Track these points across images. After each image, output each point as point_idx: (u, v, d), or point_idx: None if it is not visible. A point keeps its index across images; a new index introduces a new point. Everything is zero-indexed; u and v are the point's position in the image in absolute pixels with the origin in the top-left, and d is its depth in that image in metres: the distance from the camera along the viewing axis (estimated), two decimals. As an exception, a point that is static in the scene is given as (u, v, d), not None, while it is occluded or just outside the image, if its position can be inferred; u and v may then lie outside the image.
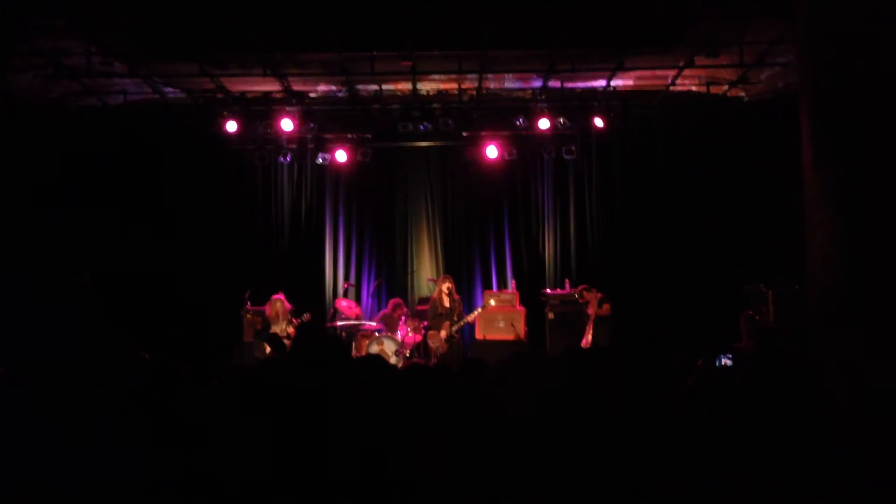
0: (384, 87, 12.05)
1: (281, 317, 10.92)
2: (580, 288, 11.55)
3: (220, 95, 12.10)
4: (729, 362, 5.57)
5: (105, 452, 2.45)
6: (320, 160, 12.81)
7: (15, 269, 9.87)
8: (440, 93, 12.40)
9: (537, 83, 11.90)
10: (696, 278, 11.91)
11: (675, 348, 8.33)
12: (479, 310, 11.38)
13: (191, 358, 4.50)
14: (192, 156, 12.68)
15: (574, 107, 12.37)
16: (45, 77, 10.87)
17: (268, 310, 11.01)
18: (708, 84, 11.89)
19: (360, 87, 12.07)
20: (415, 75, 11.33)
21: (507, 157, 12.68)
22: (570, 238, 13.25)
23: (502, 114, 12.61)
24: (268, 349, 10.62)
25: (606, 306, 11.09)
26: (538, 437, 2.43)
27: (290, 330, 10.85)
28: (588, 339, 11.15)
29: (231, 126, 12.14)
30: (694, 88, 12.17)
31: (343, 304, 12.05)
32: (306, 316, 10.92)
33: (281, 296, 11.07)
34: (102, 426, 2.55)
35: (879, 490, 2.59)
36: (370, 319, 12.21)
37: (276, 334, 10.52)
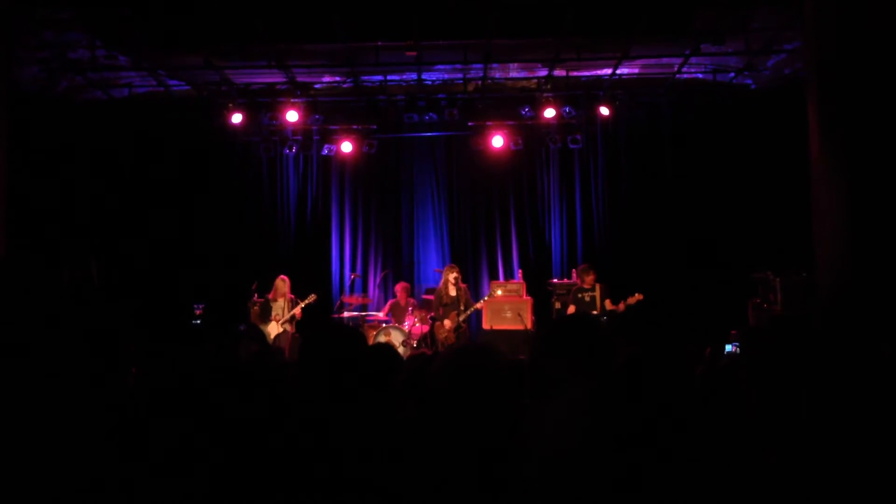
0: (389, 77, 12.04)
1: (280, 296, 11.14)
2: (581, 267, 11.42)
3: (224, 88, 12.09)
4: (737, 349, 5.57)
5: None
6: (326, 152, 12.81)
7: (21, 262, 9.88)
8: (445, 83, 12.37)
9: (542, 72, 11.87)
10: (704, 266, 11.89)
11: (684, 337, 8.34)
12: (486, 298, 11.37)
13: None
14: (197, 148, 12.68)
15: (579, 96, 12.35)
16: (50, 70, 10.89)
17: (273, 290, 11.21)
18: (714, 72, 11.84)
19: (365, 78, 12.05)
20: (420, 65, 11.31)
21: (512, 147, 12.65)
22: (576, 227, 13.23)
23: (508, 103, 12.58)
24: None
25: (622, 304, 10.95)
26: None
27: (297, 312, 10.99)
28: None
29: (236, 118, 12.14)
30: (700, 76, 12.12)
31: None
32: (312, 297, 11.01)
33: (286, 279, 11.29)
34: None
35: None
36: (377, 310, 12.23)
37: (255, 325, 10.61)
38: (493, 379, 2.37)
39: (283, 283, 11.22)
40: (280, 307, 11.12)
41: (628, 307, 10.84)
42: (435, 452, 2.24)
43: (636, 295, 10.89)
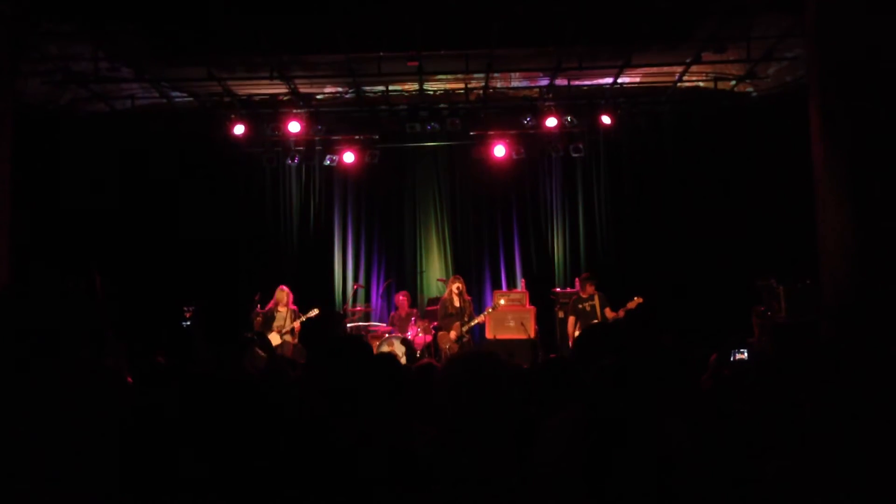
0: (391, 87, 12.06)
1: (281, 306, 11.13)
2: (584, 276, 11.38)
3: (227, 99, 12.11)
4: (744, 356, 5.54)
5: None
6: (328, 162, 12.82)
7: (25, 273, 9.88)
8: (447, 92, 12.39)
9: (544, 81, 11.88)
10: (707, 274, 11.87)
11: (688, 345, 8.33)
12: (490, 310, 11.35)
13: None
14: (200, 159, 12.69)
15: (581, 104, 12.36)
16: (53, 83, 10.91)
17: (273, 300, 11.19)
18: (715, 80, 11.85)
19: (367, 88, 12.07)
20: (421, 75, 11.33)
21: (514, 156, 12.66)
22: (578, 236, 13.24)
23: (509, 113, 12.61)
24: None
25: (621, 311, 10.88)
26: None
27: (296, 325, 10.95)
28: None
29: (239, 129, 12.15)
30: (702, 84, 12.14)
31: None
32: (315, 311, 10.99)
33: (286, 288, 11.25)
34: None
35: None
36: (380, 321, 12.22)
37: (262, 334, 10.56)
38: (494, 385, 2.36)
39: (282, 293, 11.19)
40: (282, 317, 11.10)
41: (628, 312, 10.81)
42: (444, 464, 2.23)
43: (635, 299, 10.86)
